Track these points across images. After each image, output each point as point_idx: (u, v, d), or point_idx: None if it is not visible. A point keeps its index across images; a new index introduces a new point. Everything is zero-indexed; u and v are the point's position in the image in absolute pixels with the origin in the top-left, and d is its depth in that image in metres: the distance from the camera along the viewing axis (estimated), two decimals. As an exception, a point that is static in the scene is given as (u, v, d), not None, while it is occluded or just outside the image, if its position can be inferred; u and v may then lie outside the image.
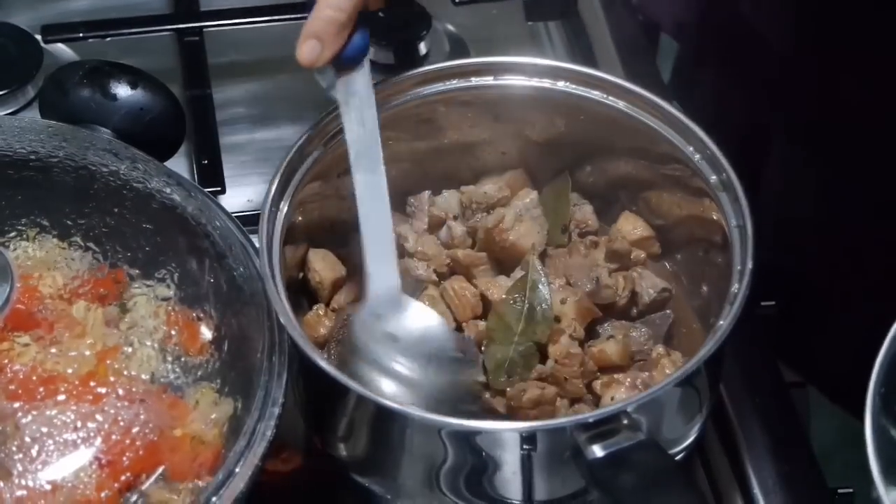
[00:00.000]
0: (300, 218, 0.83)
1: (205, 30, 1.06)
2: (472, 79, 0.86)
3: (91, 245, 0.78)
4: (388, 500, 0.79)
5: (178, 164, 0.93)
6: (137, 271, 0.78)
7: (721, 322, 0.75)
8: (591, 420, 0.72)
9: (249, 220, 0.84)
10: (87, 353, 0.75)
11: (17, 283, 0.72)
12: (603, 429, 0.72)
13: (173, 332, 0.77)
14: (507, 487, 0.77)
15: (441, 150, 0.88)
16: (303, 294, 0.85)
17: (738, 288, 0.75)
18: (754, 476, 0.85)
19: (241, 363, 0.77)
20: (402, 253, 0.85)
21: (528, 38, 1.11)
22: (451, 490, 0.77)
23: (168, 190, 0.81)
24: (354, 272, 0.84)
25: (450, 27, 1.10)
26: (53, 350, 0.74)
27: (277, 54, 1.08)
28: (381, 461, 0.78)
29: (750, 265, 0.76)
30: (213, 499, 0.71)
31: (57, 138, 0.81)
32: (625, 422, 0.72)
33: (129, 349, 0.76)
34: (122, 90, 0.87)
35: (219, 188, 0.95)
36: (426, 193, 0.88)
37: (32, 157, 0.80)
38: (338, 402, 0.76)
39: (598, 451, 0.71)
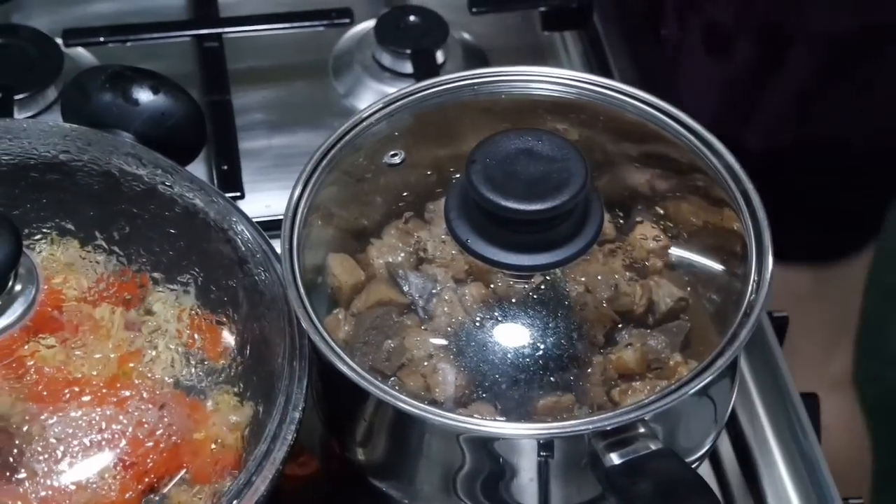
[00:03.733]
0: (320, 223, 0.84)
1: (224, 36, 1.07)
2: (491, 87, 0.87)
3: (114, 249, 0.78)
4: (404, 505, 0.80)
5: (198, 169, 0.94)
6: (160, 275, 0.78)
7: (738, 331, 0.75)
8: (608, 427, 0.73)
9: (268, 226, 0.85)
10: (110, 356, 0.75)
11: (42, 286, 0.73)
12: (621, 437, 0.73)
13: (195, 337, 0.77)
14: (523, 493, 0.78)
15: (460, 157, 0.89)
16: (321, 298, 0.86)
17: (756, 298, 0.76)
18: (767, 487, 0.86)
19: (261, 367, 0.77)
20: (421, 258, 0.86)
21: (544, 48, 1.12)
22: (468, 495, 0.78)
23: (190, 195, 0.82)
24: (372, 277, 0.85)
25: (466, 36, 1.11)
26: (77, 353, 0.75)
27: (295, 61, 1.10)
28: (398, 465, 0.79)
29: (768, 275, 0.77)
30: (234, 502, 0.72)
31: (81, 142, 0.82)
32: (642, 430, 0.73)
33: (151, 353, 0.76)
34: (144, 95, 0.87)
35: (238, 193, 0.96)
36: (444, 199, 0.89)
37: (57, 160, 0.81)
38: (357, 405, 0.77)
39: (615, 458, 0.72)
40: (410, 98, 0.86)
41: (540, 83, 0.86)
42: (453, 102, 0.87)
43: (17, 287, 0.72)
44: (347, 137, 0.84)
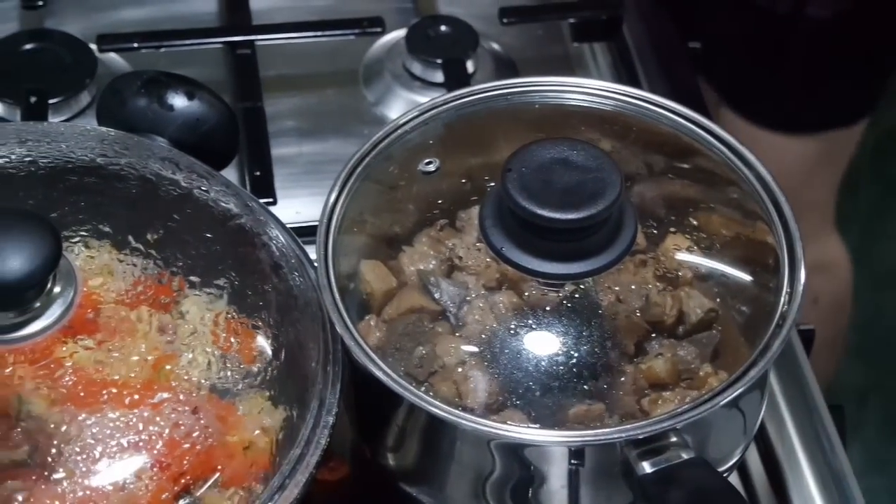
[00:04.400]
0: (354, 230, 0.84)
1: (256, 43, 1.08)
2: (525, 97, 0.88)
3: (150, 252, 0.79)
4: (434, 511, 0.81)
5: (230, 175, 0.94)
6: (195, 279, 0.79)
7: (770, 342, 0.76)
8: (641, 436, 0.73)
9: (299, 232, 0.85)
10: (145, 358, 0.76)
11: (80, 288, 0.74)
12: (653, 445, 0.73)
13: (229, 340, 0.78)
14: (553, 501, 0.78)
15: (491, 165, 0.89)
16: (353, 305, 0.86)
17: (789, 310, 0.77)
18: (796, 499, 0.87)
19: (295, 372, 0.78)
20: (452, 266, 0.86)
21: (573, 59, 1.13)
22: (498, 502, 0.78)
23: (225, 199, 0.82)
24: (404, 284, 0.85)
25: (496, 46, 1.11)
26: (113, 355, 0.75)
27: (326, 69, 1.10)
28: (429, 470, 0.80)
29: (800, 287, 0.77)
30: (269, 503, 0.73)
31: (117, 146, 0.83)
32: (674, 439, 0.74)
33: (186, 356, 0.77)
34: (179, 101, 0.88)
35: (271, 199, 0.97)
36: (476, 209, 0.89)
37: (94, 164, 0.81)
38: (390, 410, 0.78)
39: (647, 467, 0.73)
40: (445, 106, 0.86)
41: (573, 93, 0.87)
42: (487, 111, 0.87)
43: (56, 289, 0.72)
44: (382, 145, 0.85)
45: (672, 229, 0.86)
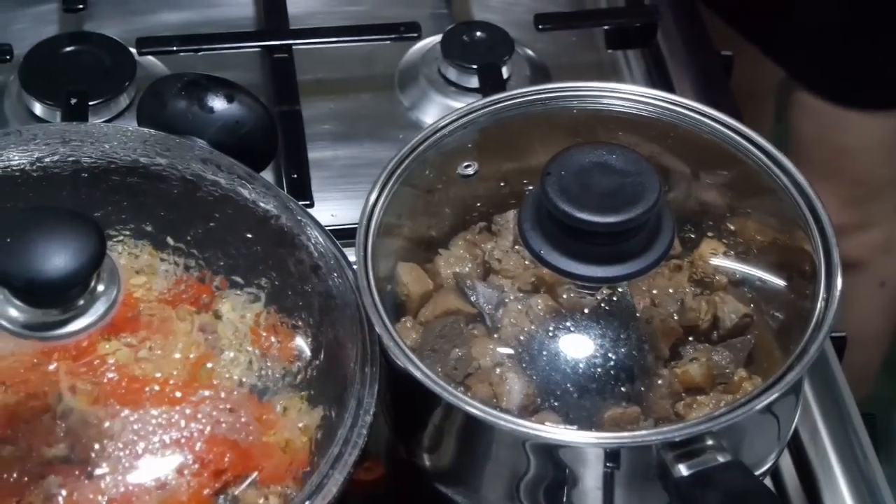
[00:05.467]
0: (391, 233, 0.85)
1: (294, 47, 1.09)
2: (563, 102, 0.88)
3: (191, 252, 0.80)
4: (469, 512, 0.81)
5: (267, 177, 0.94)
6: (235, 279, 0.80)
7: (807, 347, 0.76)
8: (677, 439, 0.73)
9: (334, 235, 0.86)
10: (186, 357, 0.77)
11: (123, 287, 0.74)
12: (689, 448, 0.73)
13: (269, 340, 0.79)
14: (587, 503, 0.78)
15: (527, 170, 0.90)
16: (389, 307, 0.87)
17: (825, 316, 0.77)
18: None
19: (333, 372, 0.78)
20: (488, 270, 0.87)
21: (607, 66, 1.13)
22: (533, 503, 0.79)
23: (265, 201, 0.83)
24: (440, 287, 0.86)
25: (530, 53, 1.12)
26: (156, 353, 0.76)
27: (362, 73, 1.11)
28: (464, 471, 0.80)
29: (837, 293, 0.78)
30: (307, 502, 0.73)
31: (159, 147, 0.84)
32: (710, 442, 0.74)
33: (224, 355, 0.78)
34: (219, 103, 0.89)
35: (308, 202, 0.97)
36: (512, 212, 0.90)
37: (137, 164, 0.82)
38: (427, 410, 0.78)
39: (684, 469, 0.73)
40: (484, 110, 0.87)
41: (611, 99, 0.88)
42: (525, 116, 0.88)
43: (100, 287, 0.73)
44: (421, 148, 0.85)
45: (708, 234, 0.87)
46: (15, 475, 0.71)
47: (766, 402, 0.75)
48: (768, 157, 0.84)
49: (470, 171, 0.87)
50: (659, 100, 0.87)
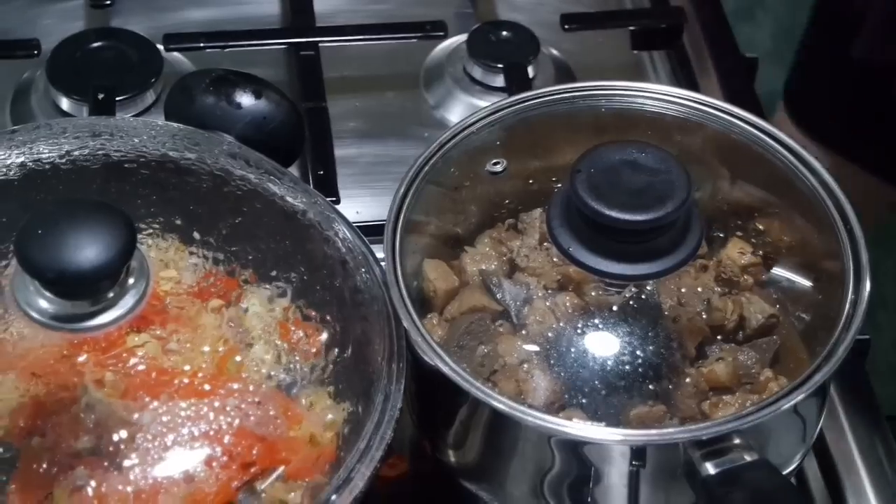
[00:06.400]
0: (417, 230, 0.85)
1: (320, 45, 1.09)
2: (588, 101, 0.88)
3: (220, 246, 0.80)
4: (493, 508, 0.81)
5: (293, 174, 0.95)
6: (262, 273, 0.80)
7: (835, 348, 0.76)
8: (705, 437, 0.73)
9: (361, 231, 0.86)
10: (214, 350, 0.77)
11: (152, 280, 0.75)
12: (717, 447, 0.73)
13: (296, 335, 0.79)
14: (612, 501, 0.78)
15: (552, 169, 0.90)
16: (414, 303, 0.87)
17: (854, 317, 0.77)
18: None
19: (359, 367, 0.79)
20: (514, 267, 0.87)
21: (632, 67, 1.13)
22: (557, 500, 0.79)
23: (293, 196, 0.83)
24: (466, 283, 0.86)
25: (556, 52, 1.12)
26: (182, 346, 0.76)
27: (387, 71, 1.11)
28: (490, 467, 0.80)
29: (865, 294, 0.77)
30: (334, 497, 0.73)
31: (188, 141, 0.84)
32: (737, 441, 0.74)
33: (253, 349, 0.78)
34: (247, 99, 0.89)
35: (334, 199, 0.98)
36: (538, 210, 0.90)
37: (166, 158, 0.83)
38: (453, 405, 0.78)
39: (711, 468, 0.73)
40: (511, 109, 0.87)
41: (639, 98, 0.88)
42: (552, 115, 0.88)
43: (130, 280, 0.73)
44: (448, 146, 0.86)
45: (735, 234, 0.87)
46: (44, 466, 0.71)
47: (793, 403, 0.75)
48: (796, 158, 0.84)
49: (498, 168, 0.87)
50: (687, 99, 0.87)
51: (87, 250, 0.70)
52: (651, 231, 0.76)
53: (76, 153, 0.82)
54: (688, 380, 0.81)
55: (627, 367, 0.82)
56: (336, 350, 0.79)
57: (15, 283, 0.72)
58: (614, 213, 0.75)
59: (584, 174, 0.76)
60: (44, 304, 0.71)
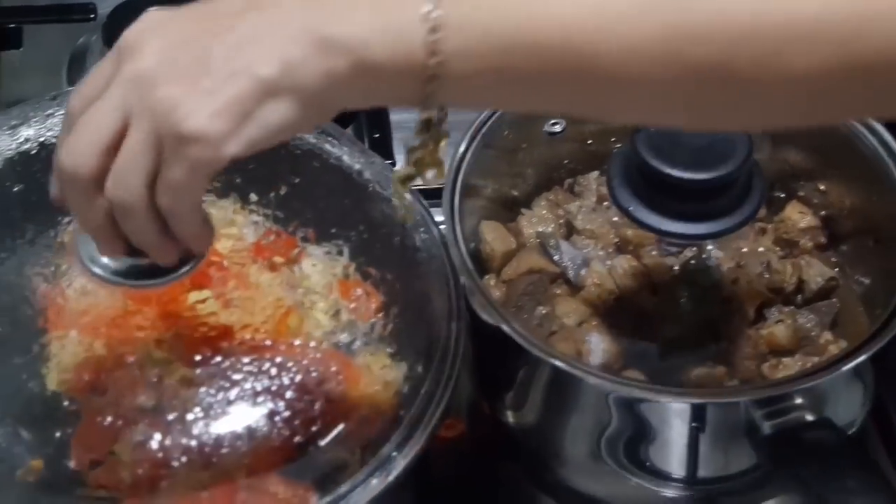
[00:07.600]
0: (474, 192, 0.85)
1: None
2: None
3: (278, 206, 0.80)
4: (551, 468, 0.81)
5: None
6: (320, 234, 0.80)
7: (897, 310, 0.76)
8: (767, 396, 0.73)
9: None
10: (272, 309, 0.77)
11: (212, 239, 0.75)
12: (778, 406, 0.73)
13: (353, 294, 0.79)
14: (671, 461, 0.78)
15: (608, 131, 0.90)
16: (473, 265, 0.87)
17: (917, 278, 0.77)
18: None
19: (419, 328, 0.78)
20: (570, 229, 0.87)
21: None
22: (615, 459, 0.79)
23: (351, 157, 0.83)
24: (523, 245, 0.86)
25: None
26: (240, 306, 0.76)
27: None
28: (548, 426, 0.80)
29: (928, 255, 0.77)
30: (394, 454, 0.73)
31: (247, 103, 0.84)
32: (799, 401, 0.74)
33: (312, 309, 0.78)
34: (303, 61, 0.89)
35: (391, 161, 0.97)
36: (594, 173, 0.90)
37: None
38: (513, 364, 0.78)
39: (773, 427, 0.73)
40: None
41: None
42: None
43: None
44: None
45: (797, 195, 0.86)
46: (108, 421, 0.72)
47: (853, 364, 0.75)
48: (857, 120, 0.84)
49: (557, 128, 0.86)
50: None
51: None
52: (712, 190, 0.76)
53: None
54: (747, 342, 0.81)
55: (687, 329, 0.81)
56: (395, 309, 0.79)
57: (78, 240, 0.72)
58: (676, 172, 0.74)
59: (644, 133, 0.76)
60: (106, 259, 0.72)
